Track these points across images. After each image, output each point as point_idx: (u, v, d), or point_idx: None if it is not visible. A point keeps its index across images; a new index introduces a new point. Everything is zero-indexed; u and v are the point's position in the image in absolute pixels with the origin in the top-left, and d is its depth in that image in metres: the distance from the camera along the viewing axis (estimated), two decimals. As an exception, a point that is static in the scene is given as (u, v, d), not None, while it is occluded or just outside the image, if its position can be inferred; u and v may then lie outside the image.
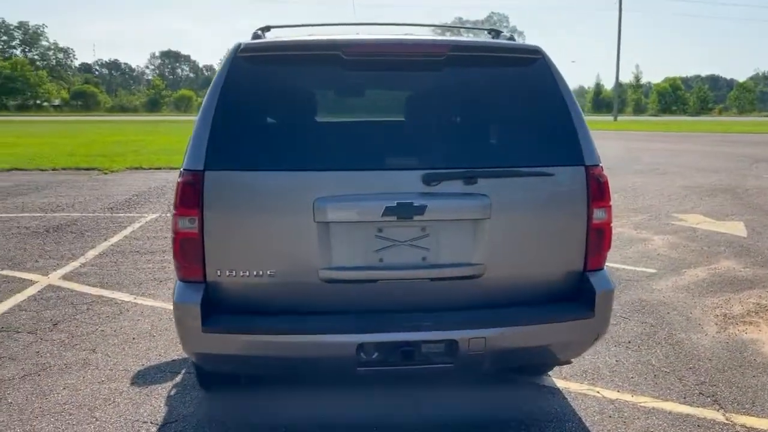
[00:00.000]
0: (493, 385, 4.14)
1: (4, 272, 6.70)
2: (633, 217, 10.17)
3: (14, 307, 5.59)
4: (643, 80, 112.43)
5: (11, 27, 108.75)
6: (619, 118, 68.05)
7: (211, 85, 3.11)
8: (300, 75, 3.17)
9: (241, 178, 2.98)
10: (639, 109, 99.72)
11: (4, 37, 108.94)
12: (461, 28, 7.25)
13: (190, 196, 2.95)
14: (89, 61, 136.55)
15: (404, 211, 2.97)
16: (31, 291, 6.05)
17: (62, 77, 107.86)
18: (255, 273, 3.00)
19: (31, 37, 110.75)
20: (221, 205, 2.97)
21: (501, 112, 3.23)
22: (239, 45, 3.14)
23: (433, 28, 5.76)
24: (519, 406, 3.84)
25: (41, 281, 6.37)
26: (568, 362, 3.77)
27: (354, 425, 3.60)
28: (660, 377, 4.29)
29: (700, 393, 4.05)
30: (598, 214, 3.19)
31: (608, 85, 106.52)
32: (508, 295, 3.18)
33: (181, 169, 3.01)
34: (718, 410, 3.83)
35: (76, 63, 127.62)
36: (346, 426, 3.60)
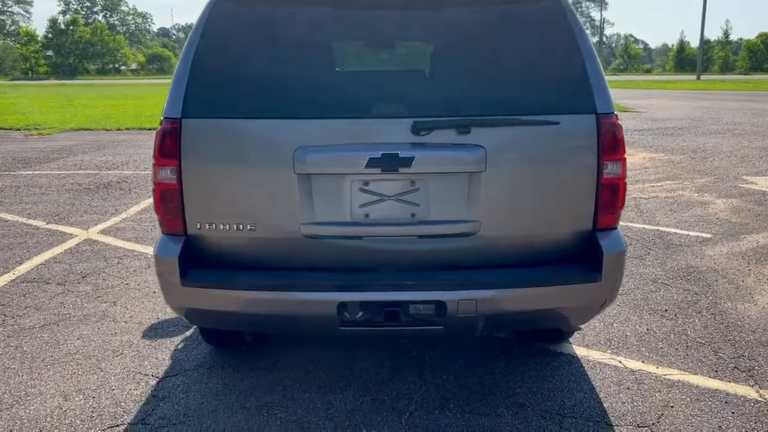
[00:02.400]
0: (505, 348, 3.92)
1: (49, 226, 6.93)
2: (697, 179, 9.50)
3: (50, 260, 5.75)
4: (733, 36, 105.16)
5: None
6: (703, 77, 64.06)
7: (192, 28, 2.97)
8: (285, 17, 2.97)
9: (220, 126, 2.84)
10: (726, 68, 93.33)
11: (87, 3, 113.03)
12: None
13: (169, 145, 2.85)
14: (167, 26, 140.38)
15: (389, 163, 2.76)
16: (69, 244, 6.22)
17: (140, 41, 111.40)
18: (235, 227, 2.88)
19: (112, 2, 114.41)
20: (199, 155, 2.85)
21: (502, 54, 2.93)
22: None
23: None
24: (529, 372, 3.62)
25: (81, 235, 6.54)
26: (576, 330, 3.50)
27: (356, 386, 3.49)
28: (693, 348, 3.95)
29: (735, 367, 3.70)
30: (611, 168, 2.88)
31: (693, 42, 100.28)
32: (505, 255, 2.93)
33: (161, 118, 2.90)
34: (752, 386, 3.48)
35: (154, 28, 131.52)
36: (350, 387, 3.49)
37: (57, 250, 6.06)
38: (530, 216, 2.90)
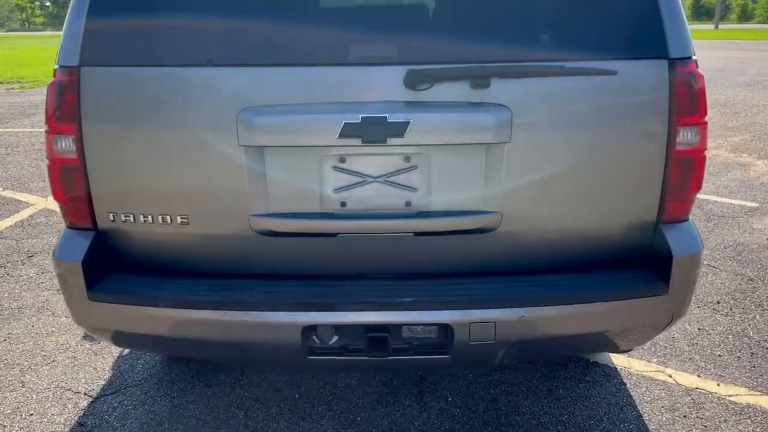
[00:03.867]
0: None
1: (5, 192, 6.15)
2: (731, 137, 8.57)
3: (-4, 234, 4.99)
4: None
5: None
6: (721, 26, 61.70)
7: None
8: None
9: (133, 76, 2.01)
10: (745, 16, 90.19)
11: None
12: None
13: (65, 105, 2.03)
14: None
15: (373, 131, 1.94)
16: (22, 215, 5.45)
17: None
18: (161, 219, 2.08)
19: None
20: (107, 118, 2.03)
21: None
22: None
23: None
24: (556, 392, 2.85)
25: (38, 204, 5.76)
26: (627, 351, 2.73)
27: (338, 411, 2.74)
28: (759, 356, 3.17)
29: (819, 386, 2.92)
30: (686, 136, 2.04)
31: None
32: (535, 259, 2.13)
33: (54, 67, 2.07)
34: None
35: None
36: (330, 414, 2.74)
37: (7, 222, 5.28)
38: (570, 204, 2.08)
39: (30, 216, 5.42)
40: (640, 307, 2.09)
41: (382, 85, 1.96)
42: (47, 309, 3.74)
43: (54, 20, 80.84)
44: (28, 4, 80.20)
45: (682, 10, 2.04)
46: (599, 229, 2.13)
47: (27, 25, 78.01)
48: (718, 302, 3.76)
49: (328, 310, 2.01)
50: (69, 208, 2.13)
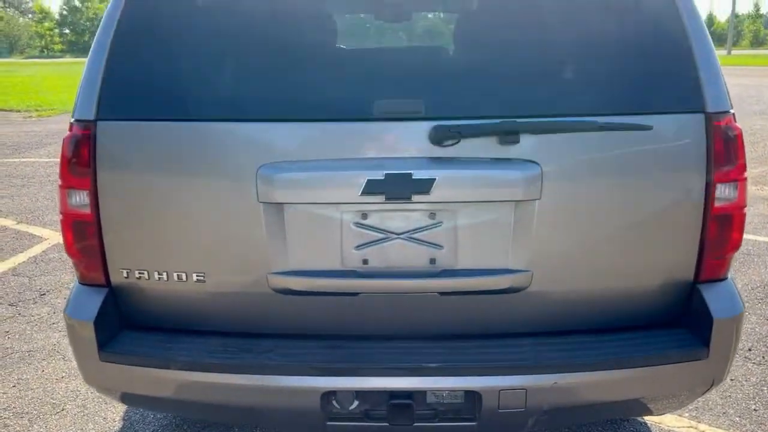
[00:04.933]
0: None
1: (19, 226, 6.13)
2: (752, 168, 8.43)
3: (8, 271, 4.94)
4: (764, 10, 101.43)
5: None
6: (734, 52, 61.68)
7: (116, -10, 2.06)
8: None
9: (150, 131, 1.95)
10: (757, 42, 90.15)
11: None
12: None
13: (80, 159, 1.97)
14: None
15: (398, 188, 1.86)
16: (35, 250, 5.41)
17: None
18: (176, 276, 2.01)
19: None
20: (123, 173, 1.97)
21: (561, 29, 1.99)
22: None
23: None
24: (586, 454, 2.72)
25: (51, 238, 5.73)
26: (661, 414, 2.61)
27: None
28: (797, 412, 3.02)
29: None
30: (725, 192, 1.95)
31: (721, 16, 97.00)
32: (567, 318, 2.03)
33: (70, 120, 2.02)
34: None
35: None
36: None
37: (20, 258, 5.24)
38: (603, 263, 1.99)
39: (43, 251, 5.39)
40: (679, 372, 1.98)
41: (406, 140, 1.90)
42: (58, 352, 3.67)
43: (72, 47, 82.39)
44: (48, 32, 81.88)
45: (718, 62, 1.96)
46: (634, 288, 2.03)
47: (46, 52, 79.54)
48: (750, 349, 3.62)
49: (349, 375, 1.92)
50: (82, 263, 2.07)
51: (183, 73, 1.97)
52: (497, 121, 1.86)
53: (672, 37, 1.93)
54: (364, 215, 1.95)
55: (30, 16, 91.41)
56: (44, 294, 4.50)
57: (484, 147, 1.88)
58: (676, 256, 2.00)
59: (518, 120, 1.87)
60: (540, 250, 1.94)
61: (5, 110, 16.67)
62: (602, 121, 1.87)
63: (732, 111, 1.96)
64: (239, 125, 1.92)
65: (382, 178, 1.85)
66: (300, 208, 1.93)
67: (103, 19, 1.99)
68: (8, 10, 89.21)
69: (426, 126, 1.87)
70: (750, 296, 4.35)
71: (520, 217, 1.92)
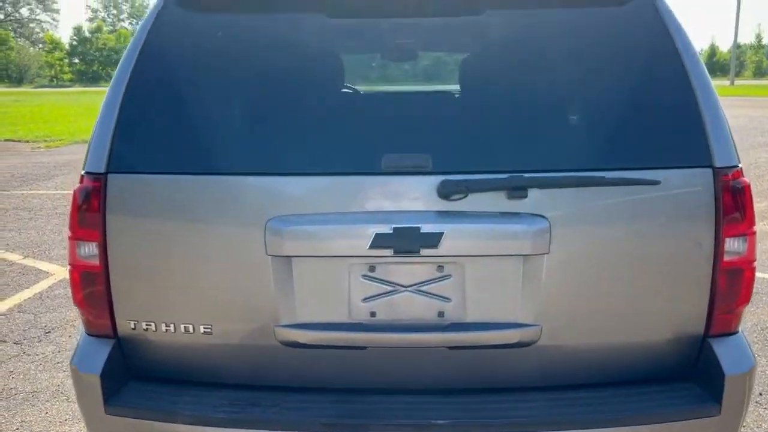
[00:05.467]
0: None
1: (26, 261, 6.14)
2: (758, 203, 8.42)
3: (14, 308, 4.94)
4: (766, 40, 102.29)
5: (120, 1, 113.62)
6: (737, 82, 62.05)
7: (129, 44, 2.10)
8: (254, 28, 2.10)
9: (159, 184, 1.97)
10: (760, 73, 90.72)
11: (114, 11, 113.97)
12: None
13: (90, 211, 1.98)
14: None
15: (406, 242, 1.87)
16: (40, 286, 5.41)
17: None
18: (183, 328, 2.00)
19: (138, 10, 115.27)
20: (131, 224, 1.99)
21: (569, 83, 2.02)
22: None
23: None
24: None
25: (57, 274, 5.73)
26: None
27: None
28: (811, 462, 2.97)
29: None
30: (734, 246, 1.95)
31: (723, 46, 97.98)
32: (577, 372, 2.02)
33: (81, 173, 2.04)
34: None
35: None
36: None
37: (26, 293, 5.25)
38: (613, 316, 1.98)
39: (49, 287, 5.39)
40: (690, 428, 1.95)
41: (414, 194, 1.91)
42: (62, 393, 3.65)
43: (81, 76, 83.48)
44: (57, 62, 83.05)
45: (725, 116, 1.98)
46: (644, 342, 2.01)
47: (55, 81, 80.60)
48: (761, 394, 3.58)
49: (356, 429, 1.90)
50: (89, 314, 2.07)
51: (192, 128, 1.99)
52: (505, 175, 1.87)
53: (679, 93, 1.95)
54: (372, 268, 1.95)
55: (41, 45, 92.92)
56: (49, 332, 4.49)
57: (492, 201, 1.89)
58: (686, 311, 1.99)
59: (526, 174, 1.88)
60: (549, 304, 1.94)
61: (14, 140, 16.83)
62: (610, 176, 1.88)
63: (740, 165, 1.96)
64: (248, 179, 1.94)
65: (390, 231, 1.86)
66: (308, 261, 1.94)
67: (115, 75, 2.03)
68: (19, 40, 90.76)
69: (434, 180, 1.88)
70: (759, 337, 4.31)
71: (528, 271, 1.92)
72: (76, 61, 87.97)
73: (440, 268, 1.94)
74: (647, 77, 2.00)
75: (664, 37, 2.00)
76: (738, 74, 78.45)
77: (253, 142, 1.97)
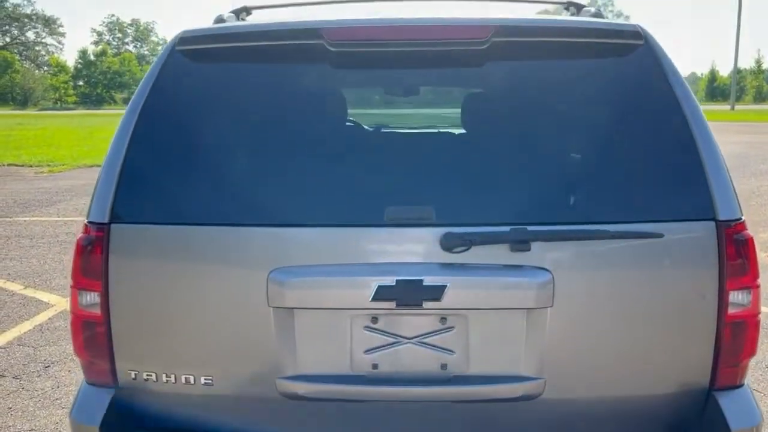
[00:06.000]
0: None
1: (26, 291, 6.13)
2: (761, 233, 8.40)
3: (14, 341, 4.92)
4: (766, 65, 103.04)
5: (125, 24, 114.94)
6: (737, 107, 62.38)
7: (136, 91, 2.11)
8: (262, 79, 2.11)
9: (162, 234, 1.97)
10: (760, 98, 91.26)
11: (119, 35, 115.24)
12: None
13: (93, 261, 1.98)
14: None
15: (409, 294, 1.86)
16: (41, 318, 5.39)
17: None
18: (184, 379, 1.99)
19: (142, 33, 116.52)
20: (133, 274, 1.99)
21: (571, 135, 2.04)
22: (178, 36, 2.12)
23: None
24: None
25: (58, 305, 5.72)
26: None
27: None
28: None
29: None
30: (738, 298, 1.95)
31: (723, 71, 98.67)
32: (580, 427, 2.00)
33: (84, 222, 2.04)
34: None
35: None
36: None
37: (26, 326, 5.23)
38: (618, 370, 1.97)
39: (49, 319, 5.37)
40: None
41: (417, 246, 1.91)
42: (60, 432, 3.62)
43: (85, 99, 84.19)
44: (62, 85, 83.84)
45: (727, 169, 1.98)
46: (648, 395, 1.99)
47: (59, 104, 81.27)
48: (766, 436, 3.53)
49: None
50: (90, 363, 2.06)
51: (196, 179, 2.00)
52: (508, 229, 1.87)
53: (681, 144, 1.95)
54: (374, 319, 1.94)
55: (46, 68, 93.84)
56: (49, 366, 4.46)
57: (496, 254, 1.89)
58: (691, 364, 1.98)
59: (529, 227, 1.88)
60: (553, 357, 1.92)
61: (18, 165, 16.90)
62: (613, 230, 1.88)
63: (743, 218, 1.96)
64: (251, 230, 1.94)
65: (393, 284, 1.85)
66: (310, 313, 1.93)
67: (118, 128, 2.04)
68: (24, 63, 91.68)
69: (437, 232, 1.88)
70: (764, 375, 4.27)
71: (532, 324, 1.91)
72: (81, 83, 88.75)
73: (443, 320, 1.93)
74: (650, 129, 2.01)
75: (664, 87, 2.01)
76: (738, 99, 78.87)
77: (256, 194, 1.98)
